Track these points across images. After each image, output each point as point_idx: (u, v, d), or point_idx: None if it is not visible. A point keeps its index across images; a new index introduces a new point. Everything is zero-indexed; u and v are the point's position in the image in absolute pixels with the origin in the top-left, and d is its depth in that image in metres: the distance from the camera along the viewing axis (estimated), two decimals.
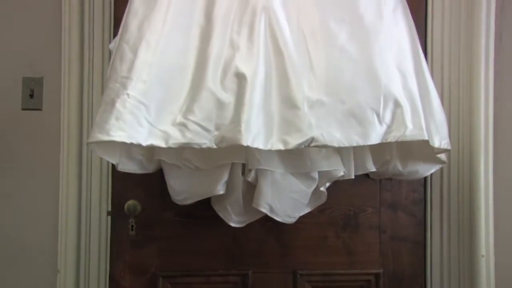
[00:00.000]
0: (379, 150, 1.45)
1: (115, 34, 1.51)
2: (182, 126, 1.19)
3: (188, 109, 1.20)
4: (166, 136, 1.19)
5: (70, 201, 1.68)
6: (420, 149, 1.40)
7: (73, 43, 1.68)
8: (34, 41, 1.72)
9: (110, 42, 1.61)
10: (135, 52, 1.21)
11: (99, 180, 1.68)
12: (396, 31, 1.30)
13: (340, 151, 1.38)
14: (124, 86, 1.18)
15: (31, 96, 1.72)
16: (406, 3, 1.39)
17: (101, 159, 1.65)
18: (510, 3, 1.69)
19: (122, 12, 1.35)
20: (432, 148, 1.30)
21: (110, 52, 1.53)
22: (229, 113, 1.19)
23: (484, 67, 1.64)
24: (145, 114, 1.18)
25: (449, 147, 1.31)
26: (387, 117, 1.22)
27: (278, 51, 1.22)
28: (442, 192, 1.68)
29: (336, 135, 1.19)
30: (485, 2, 1.65)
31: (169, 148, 1.20)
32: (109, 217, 1.66)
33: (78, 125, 1.67)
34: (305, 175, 1.41)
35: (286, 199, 1.42)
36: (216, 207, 1.50)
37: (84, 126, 1.68)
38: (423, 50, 1.40)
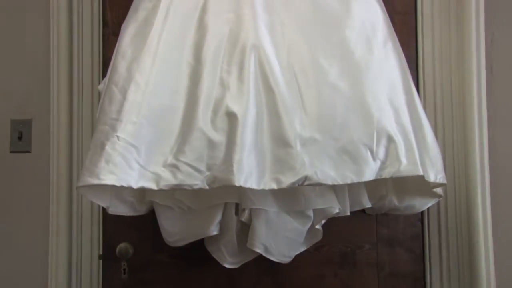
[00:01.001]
0: (374, 185, 1.45)
1: (104, 75, 1.52)
2: (173, 167, 1.19)
3: (179, 150, 1.20)
4: (157, 178, 1.19)
5: (60, 245, 1.66)
6: (416, 183, 1.39)
7: (62, 84, 1.69)
8: (23, 82, 1.73)
9: (99, 83, 1.63)
10: (124, 93, 1.21)
11: (90, 223, 1.67)
12: (387, 66, 1.31)
13: (334, 188, 1.37)
14: (114, 128, 1.19)
15: (20, 138, 1.72)
16: (396, 37, 1.39)
17: (91, 201, 1.64)
18: (500, 36, 1.71)
19: (111, 53, 1.35)
20: (428, 182, 1.30)
21: (99, 94, 1.53)
22: (220, 153, 1.19)
23: (476, 99, 1.65)
24: (135, 156, 1.18)
25: (444, 181, 1.31)
26: (381, 153, 1.22)
27: (268, 89, 1.22)
28: (440, 227, 1.67)
29: (330, 173, 1.19)
30: (474, 36, 1.67)
31: (160, 190, 1.20)
32: (101, 261, 1.64)
33: (67, 168, 1.67)
34: (300, 213, 1.40)
35: (281, 238, 1.41)
36: (210, 248, 1.49)
37: (74, 169, 1.67)
38: (415, 84, 1.41)
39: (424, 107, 1.51)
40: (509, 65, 1.71)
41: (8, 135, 1.72)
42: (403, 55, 1.39)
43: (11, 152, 1.72)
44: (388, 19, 1.39)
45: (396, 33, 1.41)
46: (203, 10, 1.30)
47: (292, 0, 1.33)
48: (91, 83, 1.69)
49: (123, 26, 1.34)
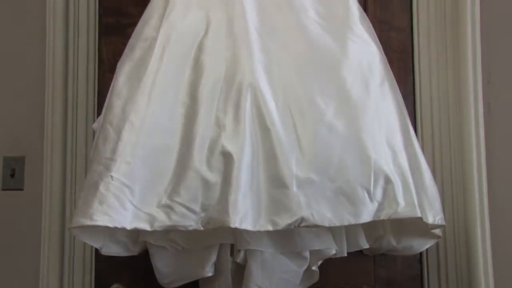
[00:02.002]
0: (372, 225, 1.44)
1: (98, 113, 1.53)
2: (168, 208, 1.19)
3: (173, 190, 1.20)
4: (151, 218, 1.19)
5: (52, 285, 1.65)
6: (414, 223, 1.39)
7: (56, 121, 1.69)
8: (16, 119, 1.74)
9: (94, 121, 1.64)
10: (118, 133, 1.22)
11: (82, 263, 1.66)
12: (384, 106, 1.32)
13: (331, 228, 1.37)
14: (108, 168, 1.19)
15: (12, 175, 1.72)
16: (393, 76, 1.41)
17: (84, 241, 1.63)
18: (497, 74, 1.73)
19: (106, 91, 1.37)
20: (427, 223, 1.30)
21: (93, 132, 1.54)
22: (215, 193, 1.19)
23: (475, 139, 1.66)
24: (129, 196, 1.18)
25: (443, 223, 1.31)
26: (378, 194, 1.22)
27: (264, 129, 1.23)
28: (439, 268, 1.66)
29: (327, 214, 1.19)
30: (471, 75, 1.69)
31: (154, 231, 1.20)
32: None
33: (60, 206, 1.66)
34: (296, 255, 1.40)
35: (277, 280, 1.40)
36: None
37: (67, 208, 1.67)
38: (412, 123, 1.42)
39: (422, 147, 1.51)
40: (507, 103, 1.73)
41: (0, 172, 1.72)
42: (400, 95, 1.40)
43: (2, 189, 1.72)
44: (385, 58, 1.41)
45: (393, 71, 1.42)
46: (199, 49, 1.32)
47: (288, 40, 1.36)
48: (86, 121, 1.70)
49: (118, 64, 1.36)
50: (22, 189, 1.71)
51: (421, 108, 1.73)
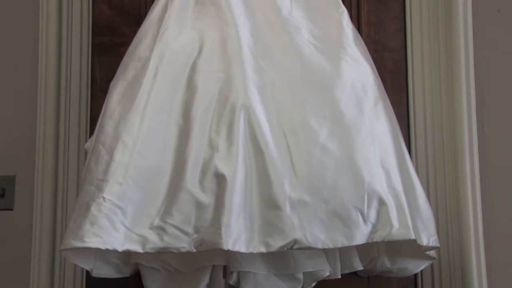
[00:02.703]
0: (366, 247, 1.43)
1: (91, 133, 1.53)
2: (160, 229, 1.19)
3: (166, 212, 1.20)
4: (143, 240, 1.19)
5: None
6: (409, 244, 1.39)
7: (48, 141, 1.69)
8: (7, 137, 1.74)
9: (86, 141, 1.64)
10: (111, 153, 1.22)
11: (73, 286, 1.65)
12: (377, 127, 1.33)
13: (325, 250, 1.37)
14: (100, 189, 1.19)
15: (2, 195, 1.72)
16: (387, 97, 1.42)
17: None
18: (490, 97, 1.75)
19: (99, 111, 1.37)
20: (421, 245, 1.30)
21: (85, 152, 1.54)
22: (208, 215, 1.19)
23: (469, 161, 1.67)
24: (121, 218, 1.18)
25: (437, 245, 1.31)
26: (372, 216, 1.23)
27: (258, 150, 1.24)
28: None
29: (320, 236, 1.20)
30: (465, 96, 1.70)
31: (146, 253, 1.20)
32: None
33: (51, 227, 1.66)
34: (289, 276, 1.40)
35: None
36: None
37: (58, 228, 1.66)
38: (406, 143, 1.43)
39: (416, 168, 1.52)
40: (500, 125, 1.74)
41: None
42: (394, 115, 1.41)
43: None
44: (379, 78, 1.42)
45: (387, 91, 1.44)
46: (193, 69, 1.33)
47: (282, 61, 1.37)
48: (78, 141, 1.70)
49: (111, 84, 1.37)
50: (12, 209, 1.71)
51: (415, 128, 1.74)
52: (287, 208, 1.20)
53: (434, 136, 1.73)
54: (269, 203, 1.20)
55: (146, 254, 1.25)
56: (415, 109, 1.76)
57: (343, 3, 1.50)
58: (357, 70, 1.38)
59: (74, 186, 1.68)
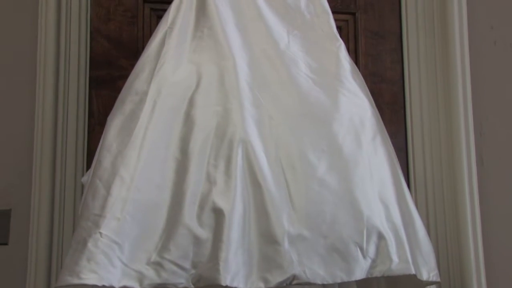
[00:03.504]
0: (366, 281, 1.42)
1: (88, 167, 1.54)
2: (158, 265, 1.19)
3: (163, 247, 1.20)
4: (141, 276, 1.19)
5: None
6: (409, 279, 1.39)
7: (44, 174, 1.69)
8: (3, 171, 1.74)
9: (83, 175, 1.65)
10: (108, 188, 1.23)
11: None
12: (376, 160, 1.34)
13: (324, 285, 1.37)
14: (97, 225, 1.19)
15: None
16: (385, 130, 1.43)
17: None
18: (488, 127, 1.77)
19: (96, 144, 1.38)
20: (421, 280, 1.31)
21: (82, 186, 1.55)
22: (206, 250, 1.19)
23: (468, 192, 1.69)
24: (118, 253, 1.18)
25: (438, 279, 1.31)
26: (371, 251, 1.23)
27: (256, 185, 1.24)
28: None
29: (319, 272, 1.20)
30: (463, 127, 1.73)
31: None
32: None
33: (46, 263, 1.64)
34: None
35: None
36: None
37: (53, 264, 1.65)
38: (405, 176, 1.44)
39: (415, 201, 1.53)
40: (499, 156, 1.76)
41: None
42: (393, 148, 1.43)
43: None
44: (377, 111, 1.43)
45: (385, 122, 1.45)
46: (190, 103, 1.34)
47: (279, 94, 1.38)
48: (75, 175, 1.71)
49: (109, 118, 1.38)
50: (6, 244, 1.70)
51: (414, 161, 1.76)
52: (286, 243, 1.20)
53: (433, 168, 1.74)
54: (268, 238, 1.21)
55: None
56: (413, 140, 1.78)
57: (341, 35, 1.53)
58: (355, 104, 1.40)
59: (71, 221, 1.68)
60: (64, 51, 1.77)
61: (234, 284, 1.16)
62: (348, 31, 1.86)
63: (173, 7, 1.48)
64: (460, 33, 1.77)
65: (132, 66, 1.45)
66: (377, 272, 1.23)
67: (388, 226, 1.27)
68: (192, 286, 1.19)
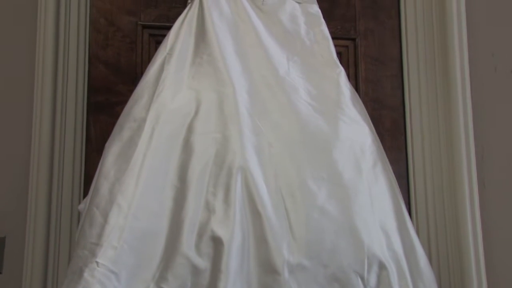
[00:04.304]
0: None
1: (85, 194, 1.54)
2: None
3: (161, 277, 1.20)
4: None
5: None
6: None
7: (40, 202, 1.69)
8: None
9: (79, 202, 1.65)
10: (105, 216, 1.23)
11: None
12: (376, 188, 1.35)
13: None
14: (93, 253, 1.19)
15: None
16: (386, 157, 1.44)
17: None
18: (489, 151, 1.78)
19: (93, 171, 1.38)
20: None
21: (79, 214, 1.55)
22: (205, 280, 1.19)
23: (470, 220, 1.69)
24: (115, 283, 1.18)
25: None
26: (372, 280, 1.24)
27: (255, 213, 1.25)
28: None
29: None
30: (464, 152, 1.73)
31: None
32: None
33: None
34: None
35: None
36: None
37: None
38: (406, 203, 1.45)
39: (417, 230, 1.54)
40: (501, 181, 1.76)
41: None
42: (393, 176, 1.43)
43: None
44: (377, 138, 1.45)
45: (386, 149, 1.46)
46: (189, 130, 1.35)
47: (279, 121, 1.39)
48: (71, 202, 1.70)
49: (106, 144, 1.38)
50: (0, 273, 1.70)
51: (415, 188, 1.76)
52: (285, 273, 1.20)
53: (435, 195, 1.75)
54: (267, 268, 1.21)
55: None
56: (414, 167, 1.79)
57: (341, 60, 1.54)
58: (355, 131, 1.41)
59: (66, 250, 1.67)
60: (62, 76, 1.78)
61: None
62: (348, 57, 1.88)
63: (172, 32, 1.50)
64: (460, 60, 1.79)
65: (130, 92, 1.46)
66: None
67: (389, 255, 1.27)
68: None
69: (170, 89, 1.40)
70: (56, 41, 1.78)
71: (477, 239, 1.68)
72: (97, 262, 1.18)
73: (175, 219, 1.26)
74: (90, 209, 1.28)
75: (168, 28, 1.51)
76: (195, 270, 1.20)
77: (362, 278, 1.23)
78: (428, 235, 1.72)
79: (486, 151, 1.79)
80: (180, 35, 1.48)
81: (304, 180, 1.32)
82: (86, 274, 1.17)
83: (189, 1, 1.56)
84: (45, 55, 1.77)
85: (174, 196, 1.29)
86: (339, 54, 1.69)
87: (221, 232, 1.22)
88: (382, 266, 1.25)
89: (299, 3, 1.60)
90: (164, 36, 1.51)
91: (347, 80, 1.50)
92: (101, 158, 1.36)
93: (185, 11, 1.53)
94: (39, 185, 1.71)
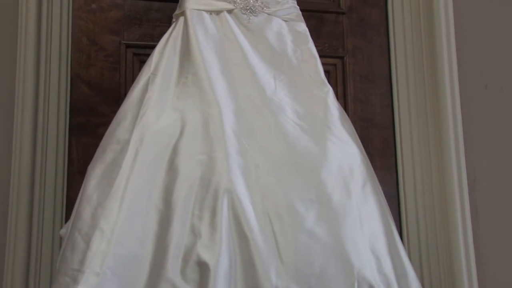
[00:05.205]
0: None
1: (67, 218, 1.53)
2: None
3: None
4: None
5: None
6: None
7: (20, 225, 1.67)
8: None
9: (61, 227, 1.63)
10: (88, 242, 1.23)
11: None
12: (366, 210, 1.35)
13: None
14: (75, 280, 1.18)
15: None
16: (375, 177, 1.45)
17: None
18: (482, 175, 1.79)
19: (75, 194, 1.38)
20: None
21: (60, 239, 1.54)
22: None
23: (463, 244, 1.69)
24: None
25: None
26: None
27: (242, 236, 1.25)
28: None
29: None
30: (456, 173, 1.74)
31: None
32: None
33: None
34: None
35: None
36: None
37: None
38: (397, 226, 1.45)
39: (408, 252, 1.54)
40: (494, 203, 1.77)
41: None
42: (383, 196, 1.44)
43: None
44: (367, 158, 1.45)
45: (376, 169, 1.47)
46: (174, 152, 1.35)
47: (266, 142, 1.39)
48: (52, 226, 1.69)
49: (89, 167, 1.38)
50: None
51: (406, 209, 1.77)
52: None
53: (426, 216, 1.75)
54: None
55: None
56: (405, 187, 1.79)
57: (329, 79, 1.55)
58: (344, 151, 1.41)
59: (47, 276, 1.65)
60: (43, 97, 1.77)
61: None
62: (337, 75, 1.89)
63: (156, 52, 1.50)
64: (450, 78, 1.81)
65: (113, 113, 1.46)
66: None
67: (379, 278, 1.27)
68: None
69: (154, 110, 1.40)
70: (37, 60, 1.78)
71: (470, 264, 1.69)
72: None
73: (159, 243, 1.25)
74: (72, 234, 1.27)
75: (152, 47, 1.52)
76: None
77: None
78: (420, 257, 1.72)
79: (478, 173, 1.80)
80: (165, 54, 1.48)
81: (292, 202, 1.32)
82: None
83: (173, 20, 1.57)
84: (25, 74, 1.76)
85: (159, 220, 1.28)
86: (327, 73, 1.70)
87: (207, 256, 1.21)
88: None
89: (286, 21, 1.61)
90: (148, 55, 1.51)
91: (335, 99, 1.51)
92: (84, 181, 1.36)
93: (170, 29, 1.54)
94: (19, 209, 1.69)
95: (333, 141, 1.41)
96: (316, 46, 1.59)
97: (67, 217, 1.54)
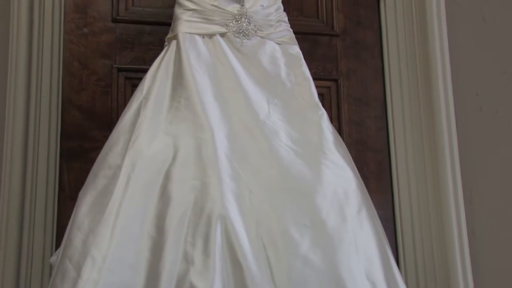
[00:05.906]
0: None
1: (57, 246, 1.52)
2: None
3: None
4: None
5: None
6: None
7: (9, 253, 1.66)
8: None
9: (51, 254, 1.63)
10: (78, 270, 1.22)
11: None
12: (361, 235, 1.35)
13: None
14: None
15: None
16: (370, 201, 1.46)
17: None
18: (478, 196, 1.80)
19: (66, 221, 1.38)
20: None
21: (50, 267, 1.53)
22: None
23: (460, 267, 1.69)
24: None
25: None
26: None
27: (236, 263, 1.24)
28: None
29: None
30: (452, 196, 1.75)
31: None
32: None
33: None
34: None
35: None
36: None
37: None
38: (393, 251, 1.45)
39: (405, 279, 1.54)
40: (490, 224, 1.78)
41: None
42: (379, 221, 1.44)
43: None
44: (362, 183, 1.46)
45: (371, 192, 1.48)
46: (167, 177, 1.35)
47: (260, 167, 1.40)
48: (42, 254, 1.68)
49: (80, 193, 1.38)
50: None
51: (402, 232, 1.77)
52: None
53: (423, 240, 1.75)
54: None
55: None
56: (401, 211, 1.80)
57: (323, 102, 1.56)
58: (339, 175, 1.42)
59: None
60: (34, 121, 1.77)
61: None
62: (331, 98, 1.90)
63: (148, 76, 1.51)
64: (445, 100, 1.82)
65: (105, 137, 1.47)
66: None
67: None
68: None
69: (146, 135, 1.41)
70: (28, 84, 1.78)
71: (468, 286, 1.69)
72: None
73: (152, 271, 1.25)
74: (62, 261, 1.26)
75: (145, 71, 1.53)
76: None
77: None
78: (417, 283, 1.72)
79: (474, 194, 1.81)
80: (157, 78, 1.49)
81: (286, 227, 1.32)
82: None
83: (166, 43, 1.58)
84: (16, 98, 1.76)
85: (151, 247, 1.28)
86: (321, 96, 1.71)
87: (200, 284, 1.21)
88: None
89: (279, 44, 1.62)
90: (140, 79, 1.52)
91: (330, 122, 1.52)
92: (75, 208, 1.36)
93: (162, 53, 1.55)
94: (8, 236, 1.68)
95: (328, 166, 1.42)
96: (310, 69, 1.60)
97: (58, 245, 1.53)
